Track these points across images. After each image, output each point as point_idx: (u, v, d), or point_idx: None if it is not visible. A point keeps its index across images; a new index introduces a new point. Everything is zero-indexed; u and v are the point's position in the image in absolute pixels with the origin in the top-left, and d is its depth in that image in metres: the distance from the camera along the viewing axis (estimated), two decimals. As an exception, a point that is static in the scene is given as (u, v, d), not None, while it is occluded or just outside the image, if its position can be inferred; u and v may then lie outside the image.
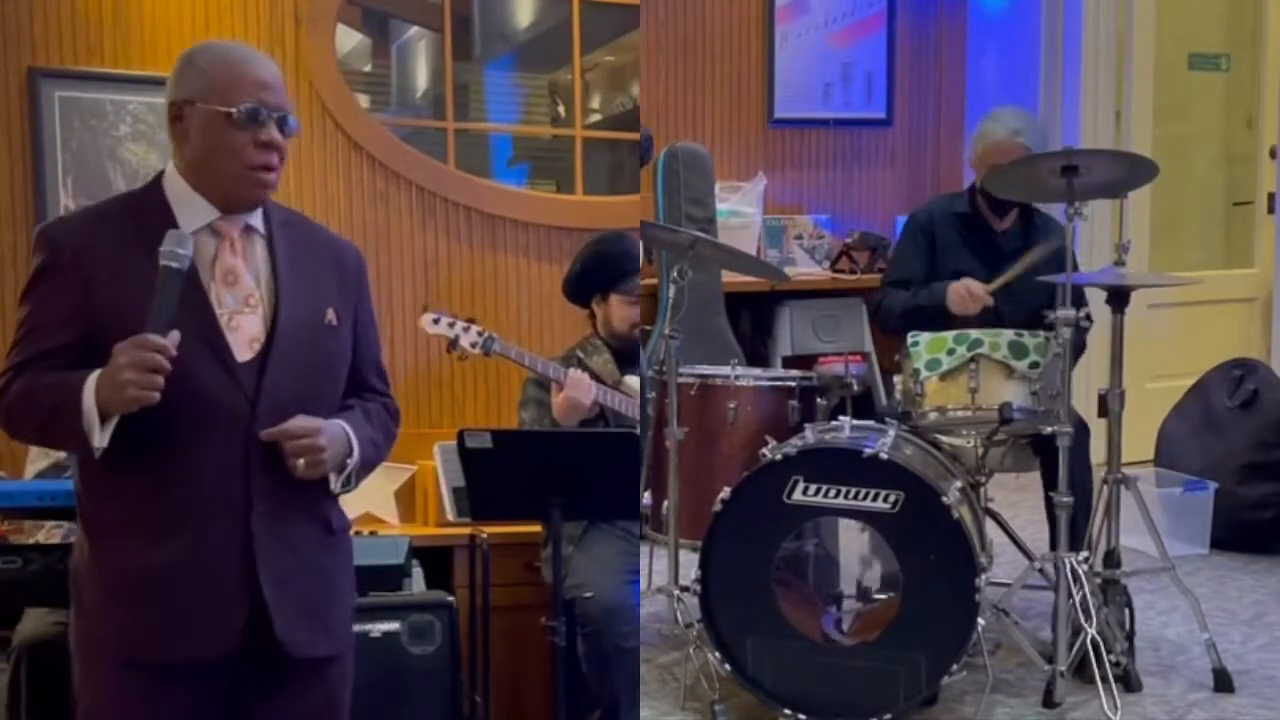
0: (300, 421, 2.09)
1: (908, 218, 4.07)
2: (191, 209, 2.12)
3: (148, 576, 2.05)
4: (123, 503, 2.07)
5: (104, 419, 1.98)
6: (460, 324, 3.71)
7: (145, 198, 2.16)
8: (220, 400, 2.06)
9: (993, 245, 3.82)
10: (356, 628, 3.30)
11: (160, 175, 2.17)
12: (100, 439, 1.98)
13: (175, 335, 1.97)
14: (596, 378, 3.75)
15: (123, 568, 2.07)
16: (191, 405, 2.03)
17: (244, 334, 2.11)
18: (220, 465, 2.06)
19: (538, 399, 3.80)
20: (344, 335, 2.24)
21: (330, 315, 2.20)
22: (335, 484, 2.18)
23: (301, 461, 2.08)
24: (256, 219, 2.18)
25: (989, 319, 3.59)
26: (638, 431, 3.63)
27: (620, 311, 3.88)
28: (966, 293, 3.62)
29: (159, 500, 2.05)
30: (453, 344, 3.71)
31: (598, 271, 3.92)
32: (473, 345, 3.70)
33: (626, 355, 3.91)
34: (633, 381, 3.84)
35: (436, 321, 3.72)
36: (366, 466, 2.24)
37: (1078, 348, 3.56)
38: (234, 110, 2.09)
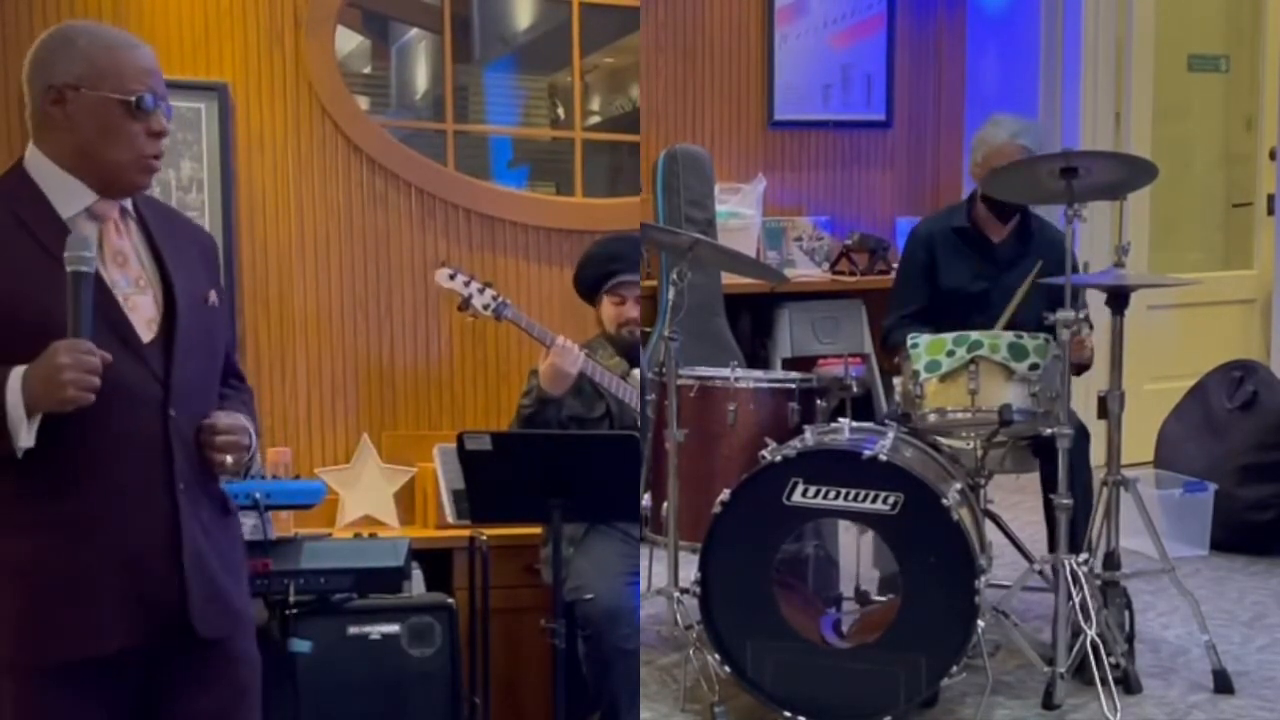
0: (227, 418, 2.12)
1: (908, 236, 4.08)
2: (66, 194, 2.08)
3: (72, 571, 2.02)
4: (35, 500, 2.02)
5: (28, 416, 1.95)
6: (476, 284, 3.69)
7: (12, 186, 2.10)
8: (131, 383, 2.04)
9: (990, 257, 3.84)
10: (355, 630, 3.38)
11: (20, 162, 2.12)
12: (27, 438, 1.95)
13: (108, 357, 1.96)
14: None
15: (41, 567, 2.02)
16: (107, 392, 2.00)
17: (141, 314, 2.09)
18: (142, 448, 2.05)
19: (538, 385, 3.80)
20: (222, 316, 2.25)
21: (212, 297, 2.21)
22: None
23: (230, 458, 2.11)
24: (127, 200, 2.16)
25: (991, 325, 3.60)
26: (639, 426, 3.63)
27: (608, 311, 3.92)
28: None
29: (76, 493, 2.02)
30: (465, 303, 3.68)
31: (589, 272, 3.96)
32: (485, 307, 3.68)
33: (629, 354, 3.92)
34: (639, 374, 3.85)
35: (452, 277, 3.69)
36: (252, 454, 2.26)
37: (1081, 365, 3.58)
38: (131, 98, 2.07)
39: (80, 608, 2.03)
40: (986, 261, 3.83)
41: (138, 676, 2.10)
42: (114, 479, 2.04)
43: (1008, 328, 3.52)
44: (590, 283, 3.96)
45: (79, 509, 2.03)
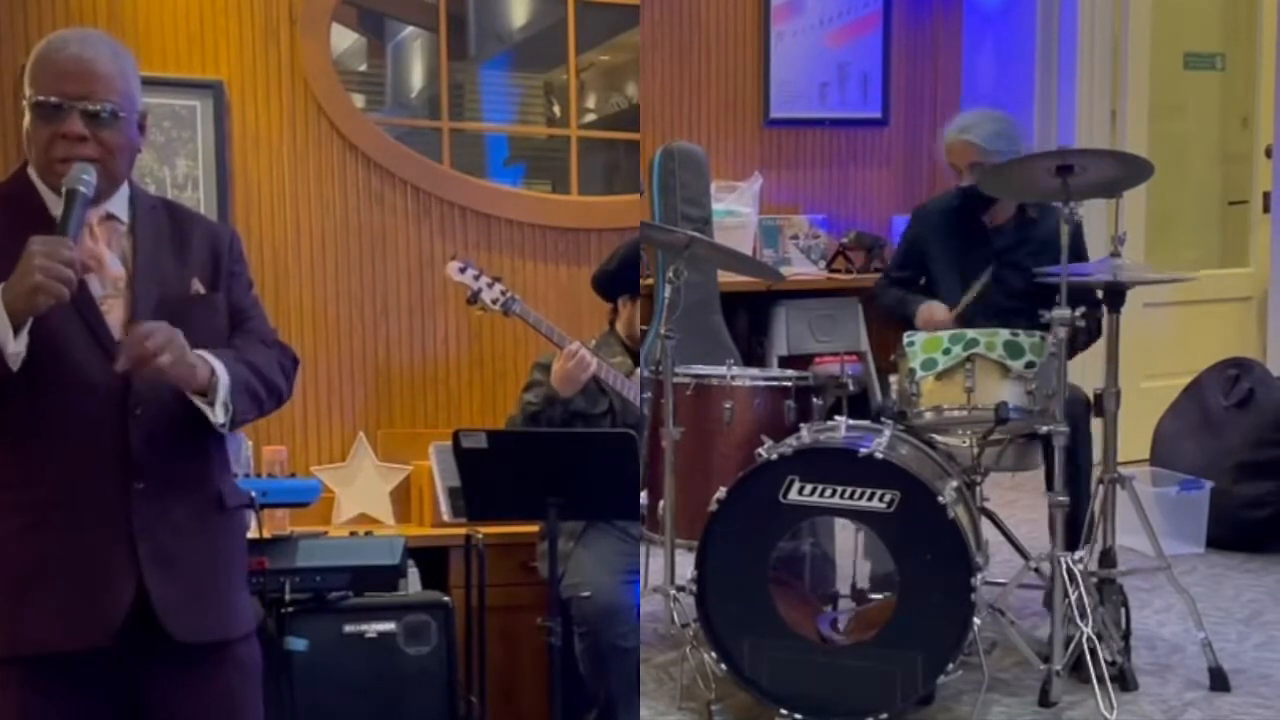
0: (140, 326, 2.03)
1: (917, 206, 4.17)
2: (51, 198, 2.10)
3: (25, 563, 2.02)
4: (2, 489, 2.04)
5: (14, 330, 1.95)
6: (486, 278, 3.71)
7: (17, 189, 2.14)
8: (97, 377, 2.05)
9: (984, 240, 3.83)
10: (351, 628, 3.38)
11: (24, 166, 2.15)
12: (15, 345, 1.94)
13: (90, 263, 1.97)
14: None
15: (1, 557, 2.03)
16: (70, 385, 2.02)
17: (115, 316, 2.11)
18: (99, 442, 2.04)
19: (544, 382, 3.79)
20: (217, 304, 2.22)
21: (196, 285, 2.18)
22: (217, 413, 2.09)
23: (166, 356, 1.98)
24: (119, 207, 2.17)
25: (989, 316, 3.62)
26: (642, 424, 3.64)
27: (637, 313, 3.90)
28: (930, 316, 3.76)
29: (35, 481, 2.03)
30: (474, 297, 3.70)
31: (635, 272, 3.93)
32: (494, 301, 3.69)
33: (635, 353, 3.92)
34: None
35: (463, 270, 3.71)
36: (250, 394, 2.15)
37: (1091, 333, 3.66)
38: (33, 101, 2.08)
39: (35, 602, 2.02)
40: (979, 245, 3.82)
41: (115, 676, 2.08)
42: (70, 470, 2.04)
43: (964, 317, 3.65)
44: (626, 284, 3.93)
45: (35, 497, 2.04)
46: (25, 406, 2.01)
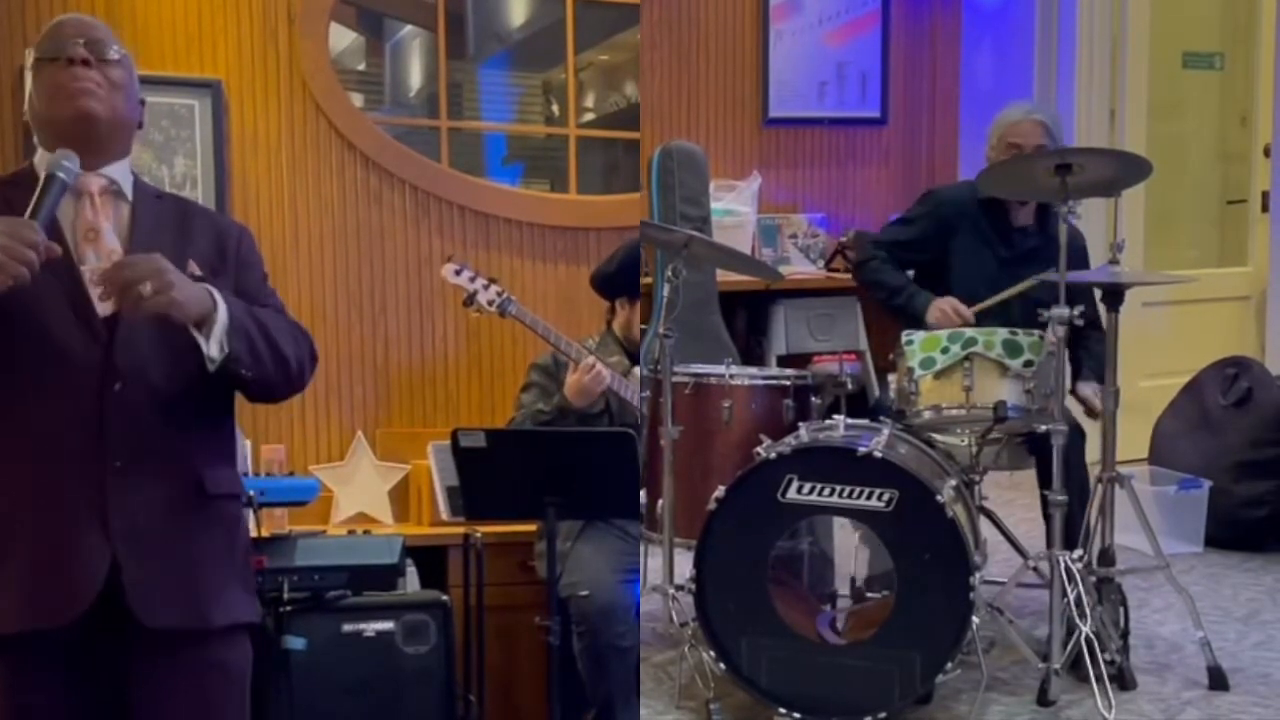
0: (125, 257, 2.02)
1: (925, 194, 4.00)
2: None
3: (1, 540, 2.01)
4: None
5: None
6: (481, 280, 3.70)
7: (19, 179, 2.14)
8: (77, 352, 2.03)
9: (1009, 240, 3.77)
10: (349, 627, 3.38)
11: (32, 163, 2.16)
12: None
13: (56, 248, 1.95)
14: None
15: None
16: (49, 358, 2.01)
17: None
18: (77, 418, 2.02)
19: (541, 384, 3.79)
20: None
21: (192, 267, 2.14)
22: (209, 345, 2.03)
23: (147, 286, 1.95)
24: (123, 182, 2.16)
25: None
26: (638, 424, 3.63)
27: (636, 315, 3.91)
28: (952, 311, 3.62)
29: (7, 458, 2.02)
30: (470, 299, 3.69)
31: (634, 274, 3.93)
32: (489, 303, 3.68)
33: (633, 353, 3.92)
34: (639, 372, 3.86)
35: (458, 273, 3.70)
36: (250, 341, 2.09)
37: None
38: (35, 61, 2.12)
39: (3, 578, 2.01)
40: (1004, 243, 3.76)
41: (99, 664, 2.05)
42: (46, 445, 2.02)
43: (984, 315, 3.59)
44: (625, 286, 3.93)
45: (10, 471, 2.03)
46: (4, 379, 2.00)
